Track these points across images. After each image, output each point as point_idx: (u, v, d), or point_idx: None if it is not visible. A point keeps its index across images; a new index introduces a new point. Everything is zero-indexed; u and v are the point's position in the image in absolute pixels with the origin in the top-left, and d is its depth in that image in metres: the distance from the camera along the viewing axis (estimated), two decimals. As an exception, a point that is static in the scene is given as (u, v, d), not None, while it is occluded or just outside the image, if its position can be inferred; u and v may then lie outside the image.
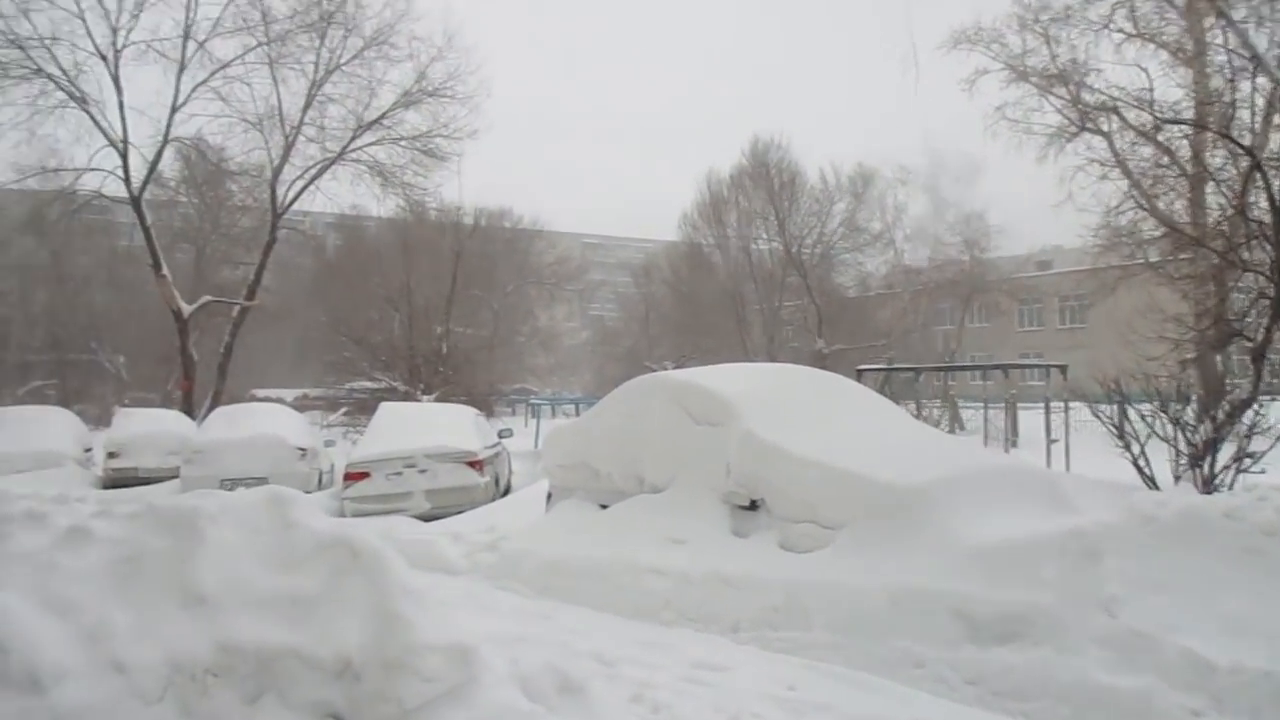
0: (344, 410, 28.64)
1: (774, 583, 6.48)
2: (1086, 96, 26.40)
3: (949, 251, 41.20)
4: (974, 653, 5.50)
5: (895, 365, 18.60)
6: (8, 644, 2.81)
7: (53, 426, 20.89)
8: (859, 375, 16.27)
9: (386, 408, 14.41)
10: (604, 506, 8.55)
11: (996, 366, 17.73)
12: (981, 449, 9.81)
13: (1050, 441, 16.11)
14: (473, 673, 3.40)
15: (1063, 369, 16.61)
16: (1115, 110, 25.90)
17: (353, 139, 26.49)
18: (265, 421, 15.89)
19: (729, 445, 7.48)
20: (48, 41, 23.63)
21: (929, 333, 45.74)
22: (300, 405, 31.22)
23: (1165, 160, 22.06)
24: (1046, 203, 29.14)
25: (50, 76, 23.95)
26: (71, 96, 24.28)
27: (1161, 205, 24.97)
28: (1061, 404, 17.00)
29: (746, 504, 7.30)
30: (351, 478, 12.42)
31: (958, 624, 5.62)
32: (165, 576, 3.23)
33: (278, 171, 26.59)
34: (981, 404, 17.40)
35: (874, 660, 5.75)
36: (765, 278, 46.42)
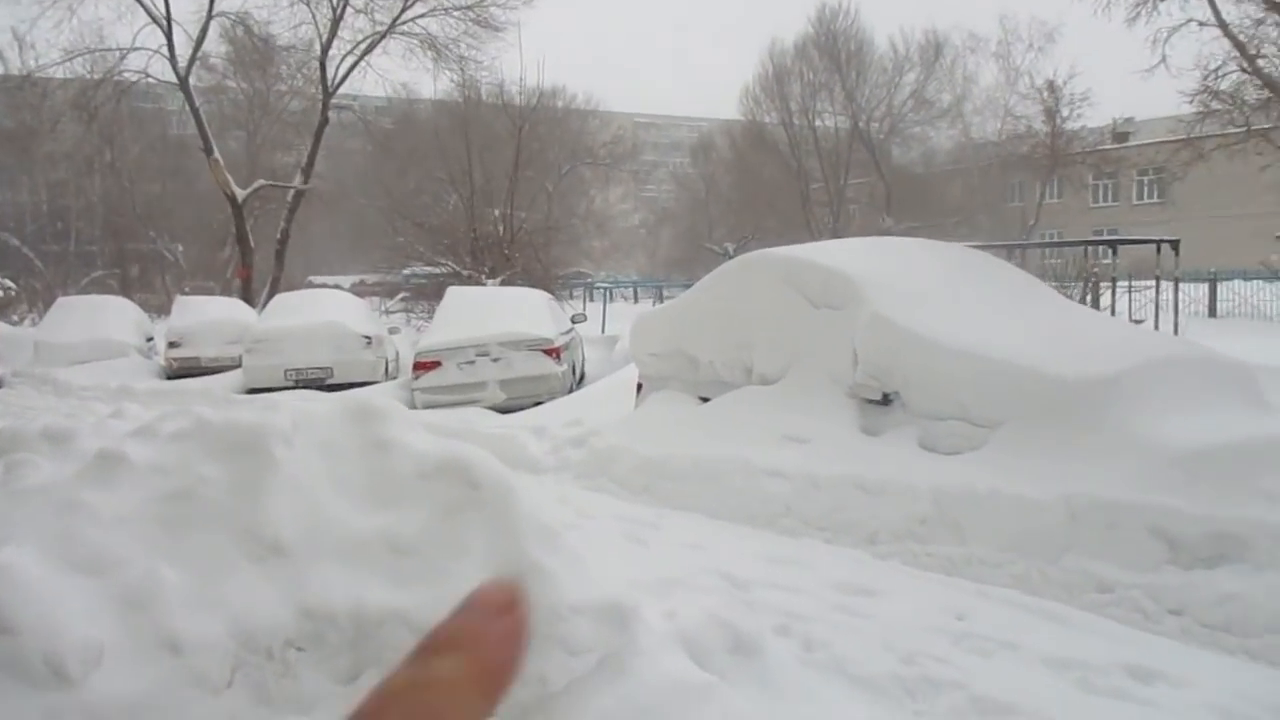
0: (403, 296, 28.03)
1: (918, 489, 5.62)
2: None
3: (1020, 124, 39.17)
4: (1176, 577, 4.63)
5: (987, 244, 17.39)
6: (17, 620, 2.03)
7: (114, 316, 20.53)
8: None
9: (455, 292, 13.59)
10: (704, 399, 7.71)
11: (1103, 242, 16.42)
12: (1161, 335, 8.75)
13: (1134, 321, 15.01)
14: (630, 637, 2.59)
15: (1174, 244, 15.24)
16: (1217, -39, 23.78)
17: (403, 10, 25.15)
18: (327, 308, 15.20)
19: (855, 331, 6.55)
20: (83, -89, 22.46)
21: (999, 209, 43.91)
22: (358, 292, 30.66)
23: (1275, 18, 20.38)
24: (1127, 71, 27.03)
25: (88, -51, 22.84)
26: (111, -30, 23.20)
27: (1266, 66, 23.06)
28: (1151, 282, 15.85)
29: (878, 398, 6.40)
30: (421, 367, 11.70)
31: (1155, 543, 4.74)
32: (227, 517, 2.43)
33: (326, 47, 25.44)
34: (1056, 283, 16.26)
35: (1049, 583, 4.92)
36: (830, 154, 44.65)
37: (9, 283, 33.00)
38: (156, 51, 24.53)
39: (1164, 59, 24.89)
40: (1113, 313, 14.98)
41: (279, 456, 2.53)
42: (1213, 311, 24.87)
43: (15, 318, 29.93)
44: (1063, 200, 44.45)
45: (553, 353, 11.67)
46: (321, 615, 2.33)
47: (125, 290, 35.91)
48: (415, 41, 25.71)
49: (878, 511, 5.72)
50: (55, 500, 2.35)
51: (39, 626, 2.05)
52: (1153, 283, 15.90)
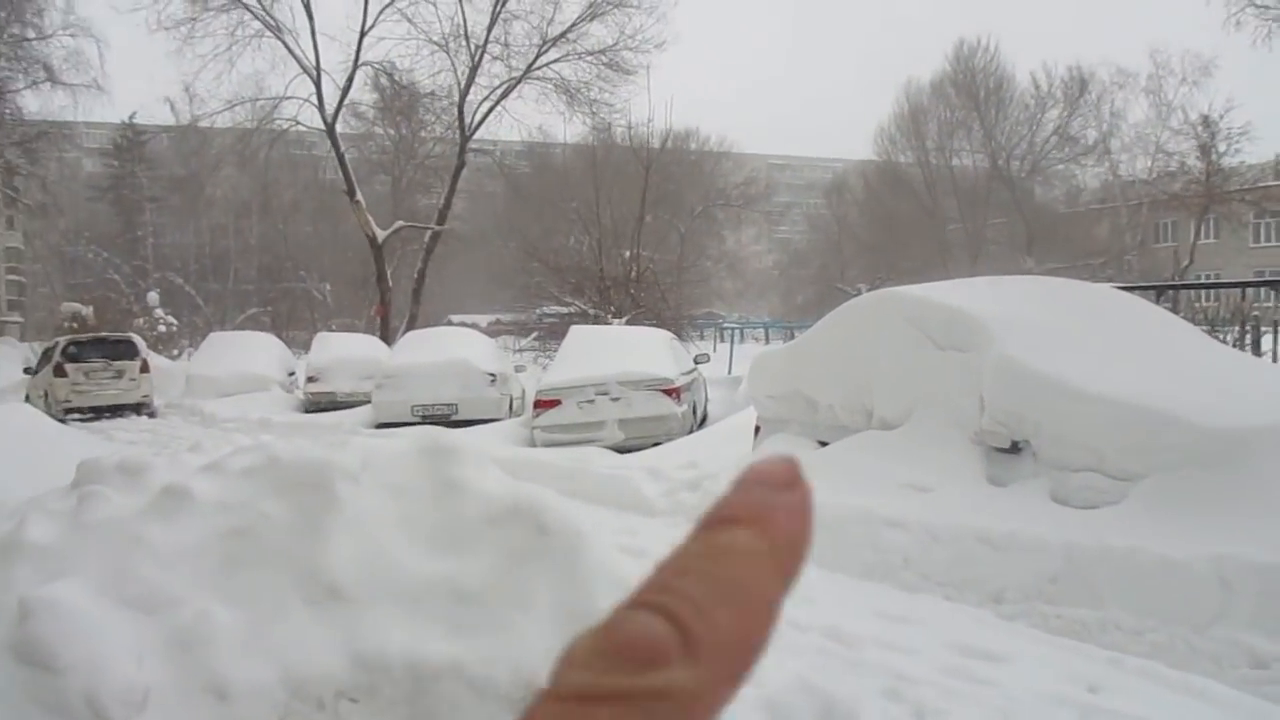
0: (535, 335, 28.50)
1: (1049, 544, 5.21)
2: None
3: (1173, 161, 37.31)
4: (1344, 654, 4.14)
5: (1132, 285, 16.54)
6: (62, 657, 1.98)
7: (259, 351, 21.47)
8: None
9: (577, 331, 13.64)
10: (823, 444, 7.43)
11: (1264, 283, 15.40)
12: None
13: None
14: (705, 702, 2.38)
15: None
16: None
17: (538, 55, 25.78)
18: (455, 346, 15.46)
19: (982, 374, 6.18)
20: (243, -29, 23.91)
21: (1149, 250, 41.96)
22: (493, 330, 31.36)
23: None
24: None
25: (246, 6, 24.28)
26: (267, 25, 24.58)
27: None
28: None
29: (1006, 446, 6.01)
30: (542, 405, 11.73)
31: (1319, 615, 4.25)
32: (286, 558, 2.35)
33: (464, 93, 26.24)
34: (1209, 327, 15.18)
35: (1195, 654, 4.46)
36: (968, 194, 43.59)
37: (171, 319, 35.01)
38: (306, 100, 25.78)
39: (1332, 89, 23.45)
40: (1275, 359, 13.93)
41: (344, 496, 2.45)
42: None
43: (175, 352, 31.68)
44: (1219, 240, 42.15)
45: (673, 393, 11.53)
46: (377, 665, 2.22)
47: (276, 326, 37.75)
48: (549, 86, 26.28)
49: (1004, 568, 5.33)
50: (118, 534, 2.32)
51: (83, 665, 2.00)
52: (1321, 328, 14.77)
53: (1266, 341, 14.87)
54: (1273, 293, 15.22)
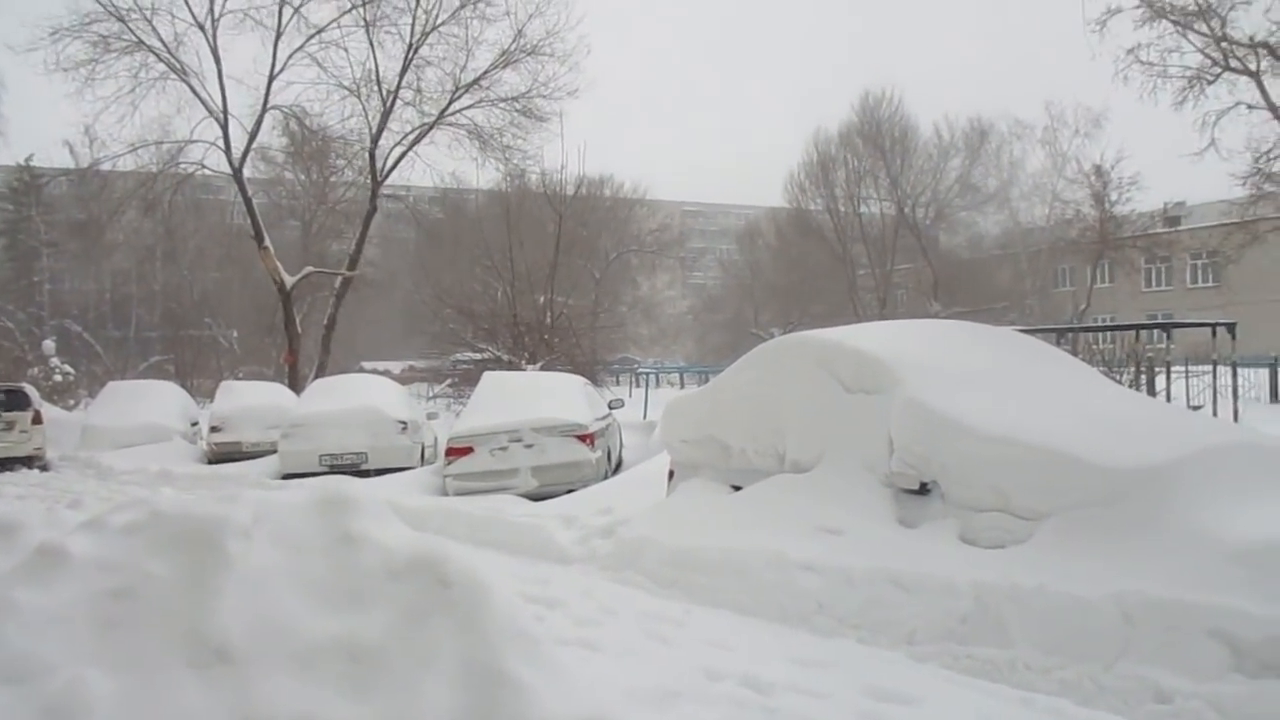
0: (449, 381, 28.17)
1: (959, 585, 5.26)
2: (1231, 33, 24.19)
3: (1069, 209, 38.91)
4: (1242, 686, 4.22)
5: (1034, 328, 17.07)
6: (-84, 737, 1.82)
7: (159, 400, 20.78)
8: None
9: (490, 377, 13.50)
10: (736, 488, 7.43)
11: (1156, 326, 16.06)
12: (1219, 421, 8.34)
13: (1192, 407, 14.51)
14: (615, 759, 2.32)
15: (1230, 327, 14.80)
16: (1266, 46, 23.60)
17: (450, 102, 25.68)
18: (364, 393, 15.15)
19: (890, 417, 6.27)
20: (147, 13, 23.40)
21: (1049, 294, 43.48)
22: (406, 377, 30.98)
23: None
24: (1174, 155, 26.70)
25: (150, 49, 23.72)
26: (171, 68, 24.04)
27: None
28: (1208, 367, 15.41)
29: (915, 487, 6.08)
30: (453, 453, 11.55)
31: (1217, 648, 4.34)
32: (170, 619, 2.22)
33: (376, 138, 25.99)
34: (1107, 368, 15.77)
35: (1102, 691, 4.52)
36: (876, 240, 44.74)
37: (68, 368, 33.74)
38: (213, 144, 25.24)
39: (1213, 142, 24.68)
40: (1168, 398, 14.47)
41: (233, 552, 2.33)
42: (1274, 396, 24.09)
43: (72, 402, 30.47)
44: (1114, 284, 43.88)
45: (587, 439, 11.46)
46: (266, 731, 2.10)
47: (181, 375, 36.62)
48: (462, 132, 26.19)
49: (915, 609, 5.37)
50: (-16, 599, 2.16)
51: (-60, 743, 1.85)
52: (1209, 367, 15.43)
53: (1160, 381, 15.50)
54: (1164, 335, 15.84)
